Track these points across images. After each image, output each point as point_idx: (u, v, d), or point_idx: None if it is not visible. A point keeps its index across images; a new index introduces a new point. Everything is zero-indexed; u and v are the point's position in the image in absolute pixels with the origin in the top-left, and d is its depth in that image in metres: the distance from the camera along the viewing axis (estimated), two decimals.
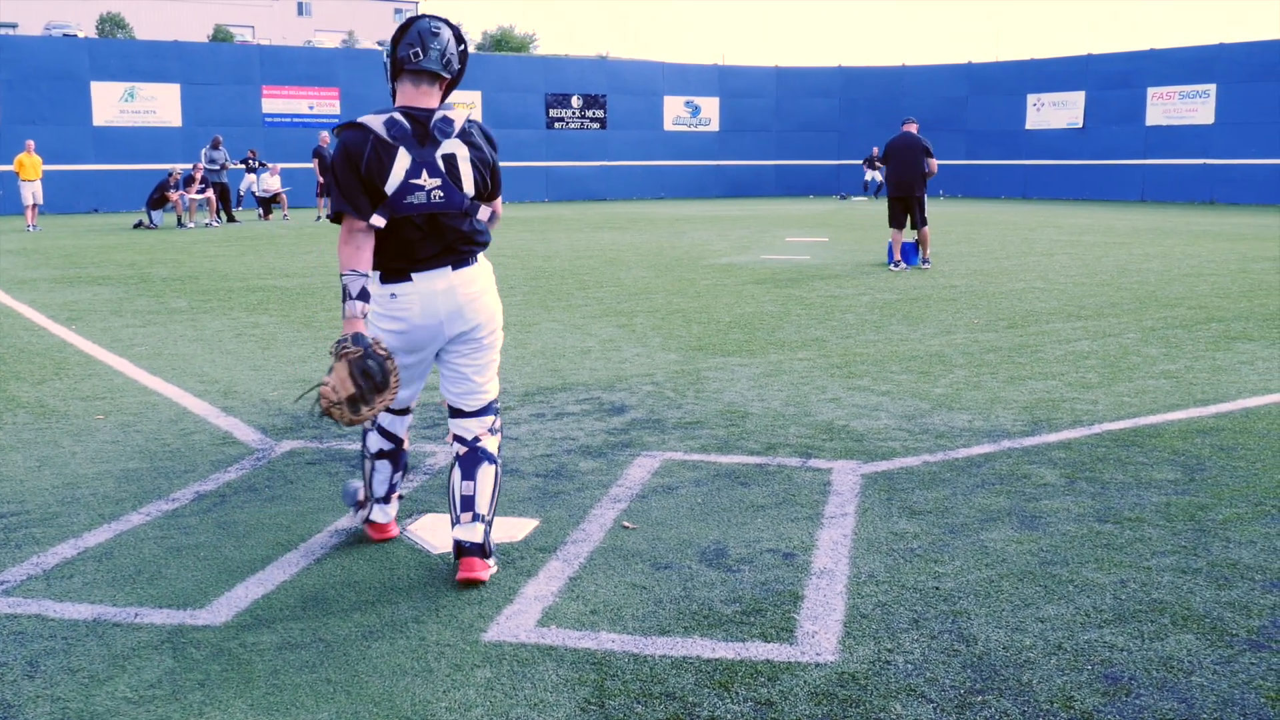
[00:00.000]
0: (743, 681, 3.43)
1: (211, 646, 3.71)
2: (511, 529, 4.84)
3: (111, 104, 33.02)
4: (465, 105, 37.67)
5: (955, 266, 15.87)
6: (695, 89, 43.38)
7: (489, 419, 4.37)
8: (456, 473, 4.30)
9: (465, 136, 4.13)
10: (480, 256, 4.29)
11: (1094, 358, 8.76)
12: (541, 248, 19.53)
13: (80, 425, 6.79)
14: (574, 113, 40.95)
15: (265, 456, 6.06)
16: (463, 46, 4.20)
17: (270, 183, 28.93)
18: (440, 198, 4.07)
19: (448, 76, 4.16)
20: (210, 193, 27.05)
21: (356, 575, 4.33)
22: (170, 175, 26.44)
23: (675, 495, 5.32)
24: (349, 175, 4.03)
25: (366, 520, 4.71)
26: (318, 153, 28.24)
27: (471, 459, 4.29)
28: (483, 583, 4.17)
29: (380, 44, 46.81)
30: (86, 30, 60.12)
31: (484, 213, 4.26)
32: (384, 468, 4.62)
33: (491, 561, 4.25)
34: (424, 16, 4.11)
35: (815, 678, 3.45)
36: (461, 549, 4.19)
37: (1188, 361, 8.57)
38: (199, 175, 26.96)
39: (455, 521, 4.24)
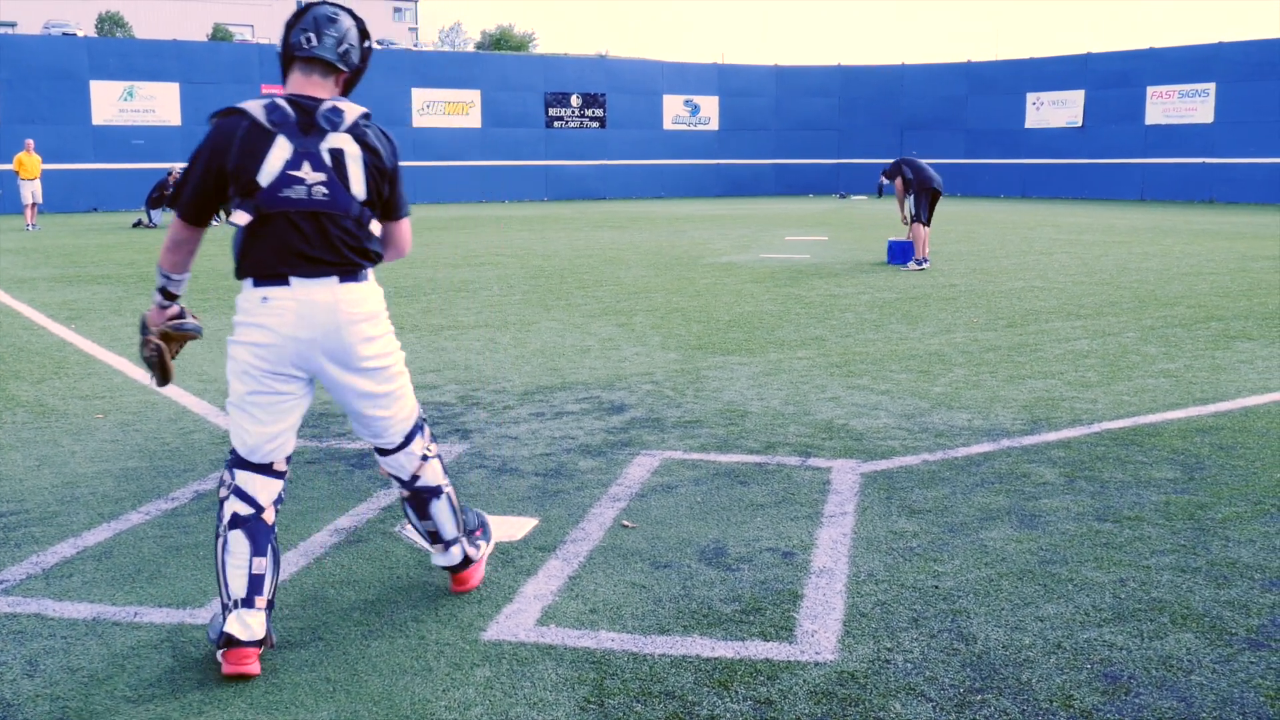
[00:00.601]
0: (742, 680, 3.43)
1: (211, 646, 3.71)
2: (511, 528, 4.84)
3: (111, 103, 33.01)
4: (465, 104, 37.34)
5: (955, 265, 15.87)
6: (694, 88, 43.39)
7: (417, 446, 3.88)
8: (411, 514, 4.01)
9: (357, 133, 3.58)
10: (370, 275, 3.69)
11: (1093, 357, 8.76)
12: (541, 247, 19.53)
13: (80, 424, 6.79)
14: (573, 112, 40.96)
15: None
16: (367, 44, 3.75)
17: None
18: (324, 195, 3.52)
19: (344, 69, 3.67)
20: None
21: (356, 574, 4.33)
22: (170, 174, 26.43)
23: (675, 494, 5.32)
24: (204, 172, 3.52)
25: (221, 638, 3.47)
26: None
27: (417, 501, 3.95)
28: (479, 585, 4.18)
29: (380, 43, 46.81)
30: (86, 29, 60.10)
31: (375, 227, 3.68)
32: (239, 546, 3.56)
33: (480, 558, 4.16)
34: (323, 3, 3.68)
35: (814, 676, 3.45)
36: (449, 569, 4.12)
37: (1187, 360, 8.57)
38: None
39: (430, 550, 4.18)
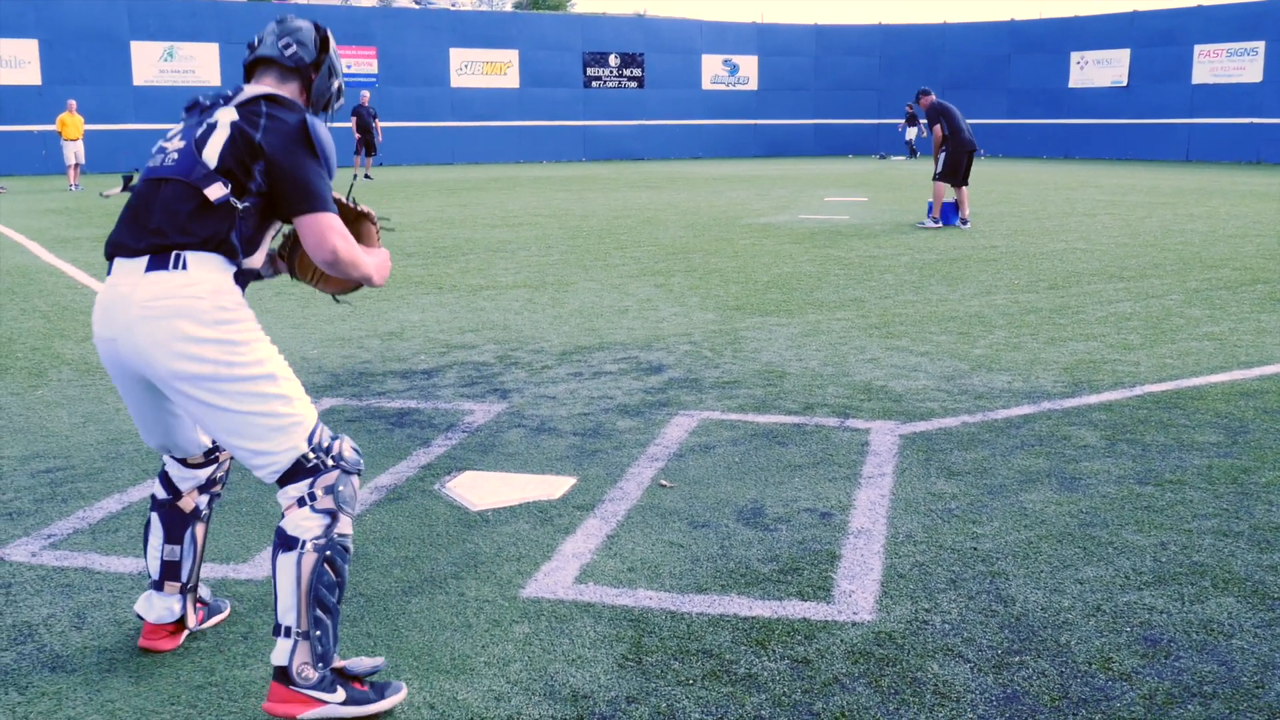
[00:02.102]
0: (779, 640, 3.44)
1: (254, 600, 3.76)
2: (549, 487, 4.86)
3: (151, 63, 33.17)
4: (503, 64, 37.30)
5: (996, 227, 15.73)
6: (733, 47, 43.07)
7: (295, 488, 2.99)
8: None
9: (245, 108, 3.06)
10: (202, 265, 2.95)
11: (1136, 319, 8.67)
12: (579, 207, 19.50)
13: None
14: (611, 72, 40.78)
15: None
16: (327, 55, 3.30)
17: None
18: (173, 161, 3.04)
19: (290, 65, 3.22)
20: None
21: (396, 532, 4.37)
22: None
23: (712, 454, 5.32)
24: None
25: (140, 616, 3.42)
26: (355, 111, 28.31)
27: (274, 543, 3.03)
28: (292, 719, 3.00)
29: (419, 2, 46.68)
30: None
31: (222, 200, 2.97)
32: (155, 529, 3.43)
33: (318, 694, 2.97)
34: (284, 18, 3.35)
35: (852, 636, 3.46)
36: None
37: (1232, 323, 8.46)
38: None
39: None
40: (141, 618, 3.43)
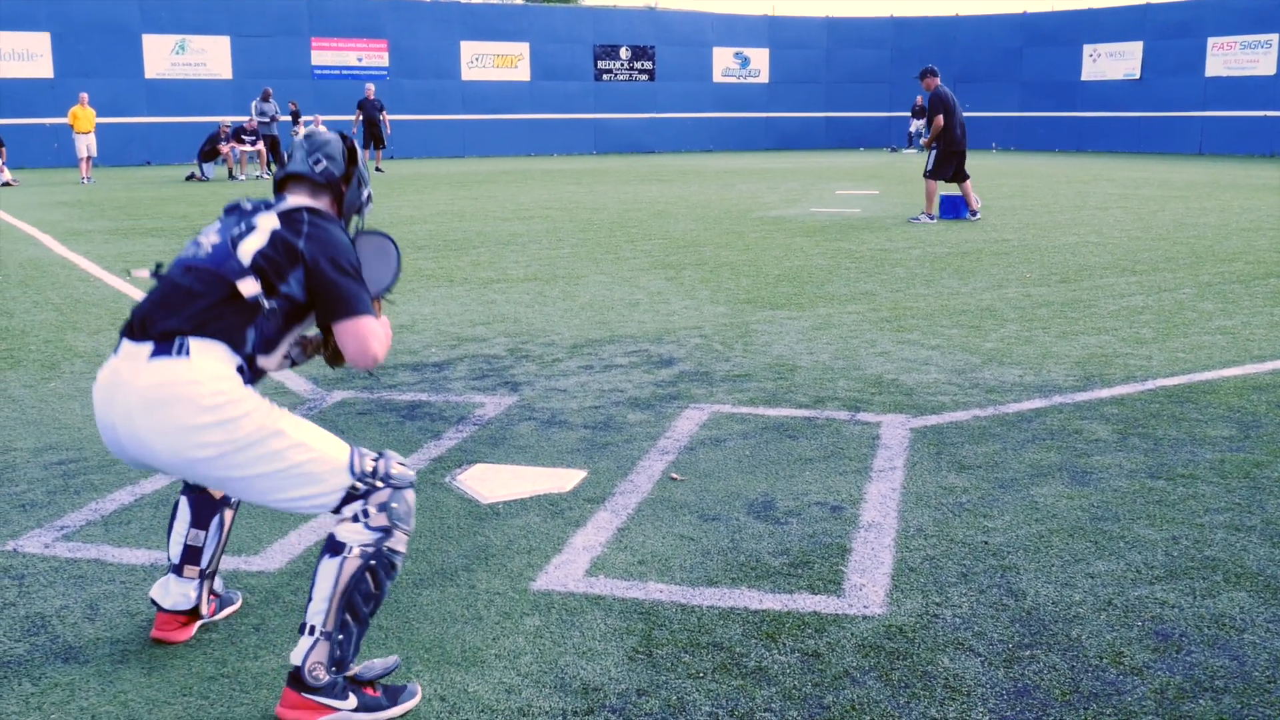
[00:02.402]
0: (790, 632, 3.44)
1: (265, 592, 3.78)
2: (560, 480, 4.87)
3: (163, 56, 33.21)
4: (514, 57, 37.20)
5: (1007, 220, 15.68)
6: (744, 40, 42.97)
7: (349, 509, 3.01)
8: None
9: (286, 214, 3.10)
10: (205, 353, 2.92)
11: (1148, 313, 8.65)
12: (589, 200, 19.50)
13: None
14: (622, 64, 40.72)
15: (317, 406, 6.12)
16: (356, 169, 3.37)
17: None
18: (207, 254, 3.05)
19: (320, 181, 3.27)
20: (261, 145, 27.20)
21: None
22: (220, 128, 26.62)
23: (723, 447, 5.32)
24: None
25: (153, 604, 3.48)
26: (361, 104, 28.37)
27: (322, 548, 3.05)
28: None
29: None
30: None
31: (251, 294, 2.99)
32: (183, 512, 3.47)
33: (328, 701, 2.97)
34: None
35: (862, 630, 3.46)
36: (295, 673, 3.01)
37: (1245, 317, 8.43)
38: (251, 127, 27.11)
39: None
40: (156, 604, 3.44)
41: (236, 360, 2.98)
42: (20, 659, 3.33)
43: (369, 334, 3.05)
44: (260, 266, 2.99)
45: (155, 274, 3.21)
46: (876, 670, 3.21)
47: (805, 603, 3.65)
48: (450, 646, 3.38)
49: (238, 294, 2.97)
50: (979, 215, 15.54)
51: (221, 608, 3.60)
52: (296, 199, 3.21)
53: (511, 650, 3.35)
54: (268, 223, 3.07)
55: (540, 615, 3.59)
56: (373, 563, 2.96)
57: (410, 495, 3.07)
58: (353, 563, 2.94)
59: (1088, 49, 40.33)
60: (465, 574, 3.91)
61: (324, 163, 3.29)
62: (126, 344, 2.98)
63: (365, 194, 3.43)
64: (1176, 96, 37.88)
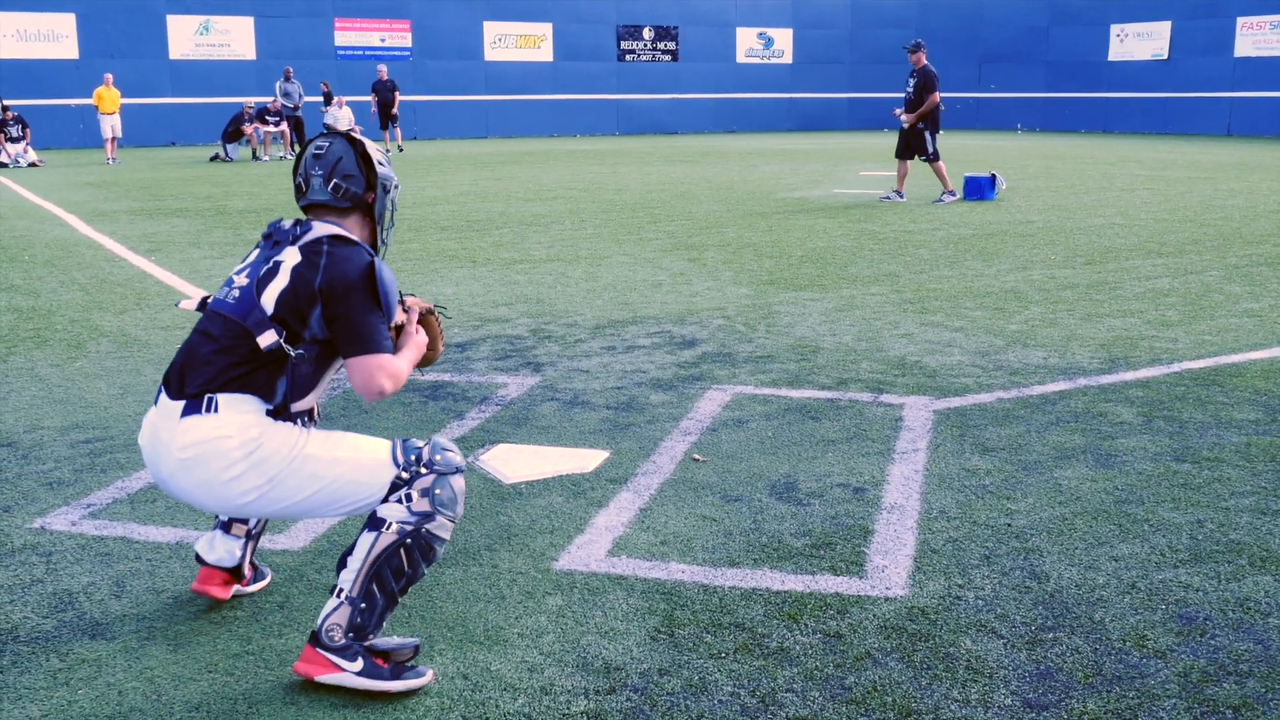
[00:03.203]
0: (812, 614, 3.44)
1: (290, 570, 3.80)
2: (582, 460, 4.88)
3: (187, 37, 33.29)
4: (537, 37, 37.09)
5: (1032, 202, 15.59)
6: (768, 20, 42.75)
7: (394, 496, 3.04)
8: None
9: (308, 247, 3.08)
10: (232, 407, 2.98)
11: (1174, 295, 8.59)
12: (612, 181, 19.47)
13: (161, 354, 6.93)
14: (645, 45, 40.58)
15: (339, 385, 6.14)
16: (377, 170, 3.28)
17: (342, 117, 29.00)
18: (234, 299, 3.07)
19: (346, 204, 3.24)
20: (284, 126, 27.25)
21: None
22: (244, 108, 26.68)
23: (746, 429, 5.32)
24: None
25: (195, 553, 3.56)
26: (374, 86, 28.39)
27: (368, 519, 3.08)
28: (311, 679, 3.05)
29: None
30: None
31: (270, 344, 3.00)
32: None
33: (336, 660, 3.01)
34: (316, 138, 3.32)
35: (884, 611, 3.45)
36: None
37: (1272, 300, 8.36)
38: (275, 108, 27.15)
39: None
40: (201, 559, 3.48)
41: (265, 407, 3.04)
42: (48, 635, 3.36)
43: (377, 371, 3.03)
44: (282, 315, 3.02)
45: (201, 308, 3.24)
46: (898, 652, 3.21)
47: (827, 584, 3.65)
48: (473, 625, 3.40)
49: (249, 338, 3.00)
50: (904, 198, 15.50)
51: (255, 580, 3.64)
52: (322, 226, 3.16)
53: (534, 629, 3.37)
54: (291, 258, 3.07)
55: (562, 595, 3.60)
56: (409, 541, 3.00)
57: (457, 481, 3.09)
58: (387, 537, 2.99)
59: (1115, 29, 39.96)
60: (488, 553, 3.92)
61: (343, 185, 3.23)
62: (164, 400, 3.05)
63: (392, 195, 3.36)
64: (1205, 77, 37.50)
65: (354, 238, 3.16)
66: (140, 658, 3.23)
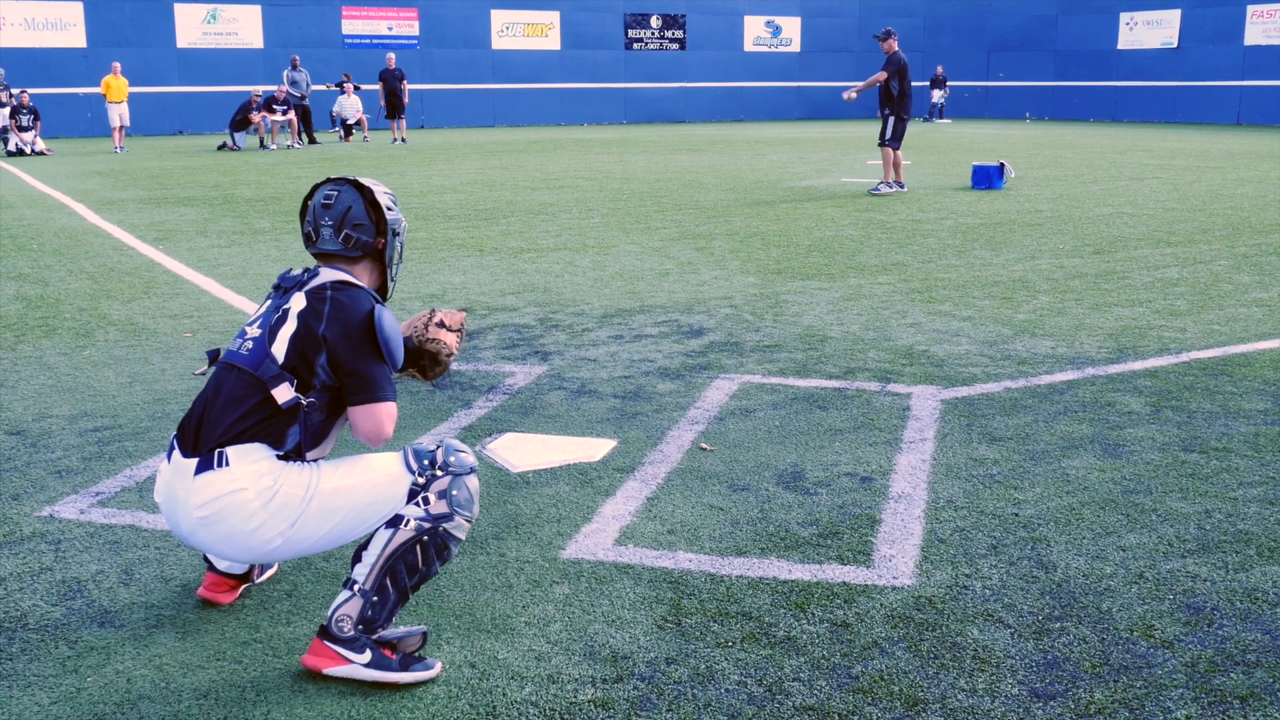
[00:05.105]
0: (819, 603, 3.45)
1: (298, 559, 3.80)
2: (590, 449, 4.88)
3: (194, 26, 33.28)
4: (544, 25, 37.02)
5: (1041, 191, 15.54)
6: (776, 8, 42.62)
7: (411, 500, 3.07)
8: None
9: (313, 293, 3.11)
10: (243, 459, 2.99)
11: (1183, 285, 8.56)
12: (620, 170, 19.45)
13: (169, 343, 6.94)
14: (653, 33, 40.48)
15: None
16: (389, 214, 3.29)
17: (348, 105, 28.96)
18: (248, 350, 3.09)
19: (358, 254, 3.25)
20: (292, 114, 27.23)
21: None
22: (252, 97, 26.68)
23: (753, 418, 5.32)
24: None
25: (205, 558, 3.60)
26: (382, 75, 28.35)
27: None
28: (319, 672, 3.07)
29: None
30: None
31: (289, 402, 3.04)
32: None
33: (345, 652, 3.03)
34: (325, 183, 3.30)
35: (891, 600, 3.46)
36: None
37: None
38: (282, 96, 27.15)
39: None
40: (211, 566, 3.49)
41: (275, 453, 3.05)
42: (57, 623, 3.38)
43: (384, 418, 3.08)
44: (293, 365, 3.05)
45: (212, 362, 3.26)
46: (905, 641, 3.21)
47: (834, 573, 3.65)
48: (480, 614, 3.41)
49: (262, 389, 3.03)
50: (906, 188, 15.40)
51: (263, 570, 3.65)
52: (328, 272, 3.19)
53: (541, 618, 3.37)
54: (298, 304, 3.11)
55: (570, 584, 3.60)
56: (425, 538, 3.04)
57: (472, 481, 3.12)
58: (404, 534, 3.03)
59: (1124, 17, 39.79)
60: (495, 542, 3.93)
61: (354, 236, 3.23)
62: (177, 456, 3.07)
63: (400, 238, 3.35)
64: (1214, 66, 37.34)
65: (359, 283, 3.19)
66: (149, 645, 3.24)
